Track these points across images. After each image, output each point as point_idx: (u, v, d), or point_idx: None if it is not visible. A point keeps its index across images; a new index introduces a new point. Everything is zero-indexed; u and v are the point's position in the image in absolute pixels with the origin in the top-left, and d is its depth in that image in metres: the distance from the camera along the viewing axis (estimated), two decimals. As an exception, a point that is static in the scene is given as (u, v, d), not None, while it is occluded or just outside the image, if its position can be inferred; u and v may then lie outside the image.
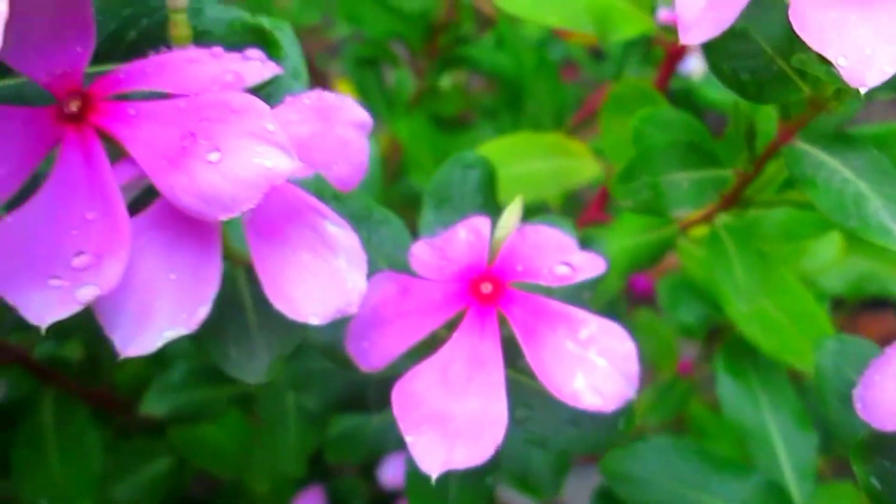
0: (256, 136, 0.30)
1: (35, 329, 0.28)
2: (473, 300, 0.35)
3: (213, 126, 0.30)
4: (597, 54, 1.33)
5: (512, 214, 0.38)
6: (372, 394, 0.47)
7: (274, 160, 0.30)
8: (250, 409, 0.64)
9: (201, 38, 0.38)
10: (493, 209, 0.50)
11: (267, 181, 0.30)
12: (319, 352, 0.41)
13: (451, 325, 0.36)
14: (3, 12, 0.24)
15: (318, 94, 0.35)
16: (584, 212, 0.74)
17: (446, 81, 1.25)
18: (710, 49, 0.38)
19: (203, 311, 0.31)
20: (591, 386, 0.34)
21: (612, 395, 0.35)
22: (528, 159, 0.65)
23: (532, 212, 0.46)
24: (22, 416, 0.64)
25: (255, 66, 0.34)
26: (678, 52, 0.63)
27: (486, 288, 0.35)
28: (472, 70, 1.23)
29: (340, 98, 0.36)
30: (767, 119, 0.46)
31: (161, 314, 0.31)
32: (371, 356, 0.36)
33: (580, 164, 0.66)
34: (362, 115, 0.37)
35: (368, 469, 0.76)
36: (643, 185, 0.43)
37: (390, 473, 0.73)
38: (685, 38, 0.33)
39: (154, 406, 0.62)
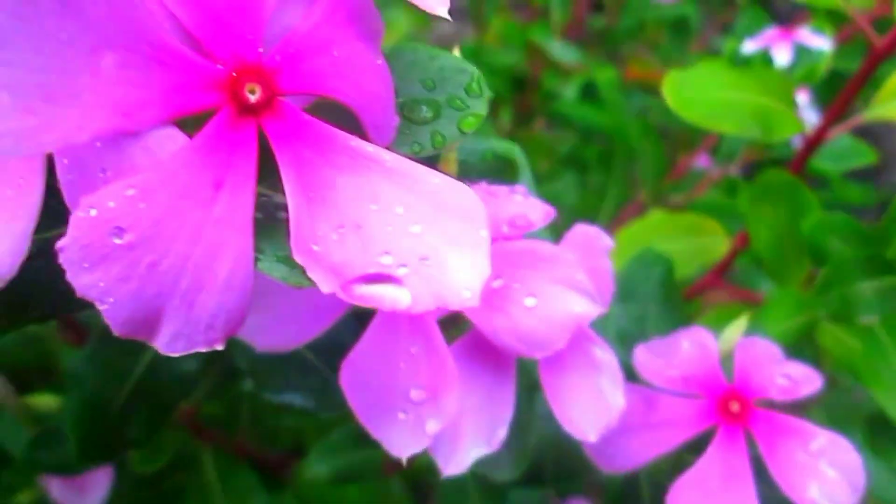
0: (567, 284, 0.34)
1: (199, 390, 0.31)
2: (723, 418, 0.39)
3: (526, 273, 0.34)
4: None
5: (736, 330, 0.42)
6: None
7: (582, 306, 0.34)
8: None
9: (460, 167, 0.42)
10: (673, 303, 0.54)
11: (576, 324, 0.34)
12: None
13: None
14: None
15: (582, 230, 0.39)
16: (702, 280, 0.77)
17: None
18: None
19: (502, 433, 0.35)
20: (825, 494, 0.38)
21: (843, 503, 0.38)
22: (669, 239, 0.68)
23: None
24: (187, 473, 0.68)
25: (537, 206, 0.38)
26: (816, 142, 0.67)
27: (735, 407, 0.39)
28: (558, 123, 1.28)
29: (595, 230, 0.40)
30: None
31: (469, 436, 0.35)
32: (616, 460, 0.40)
33: (715, 242, 0.70)
34: (610, 242, 0.41)
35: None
36: (835, 297, 0.46)
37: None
38: None
39: (316, 467, 0.66)
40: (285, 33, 0.25)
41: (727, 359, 0.43)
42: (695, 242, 0.70)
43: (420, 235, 0.24)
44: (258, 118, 0.23)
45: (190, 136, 0.23)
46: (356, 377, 0.33)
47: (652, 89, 1.66)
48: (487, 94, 0.32)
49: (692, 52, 1.42)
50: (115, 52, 0.21)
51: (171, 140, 0.23)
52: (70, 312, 0.30)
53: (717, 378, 0.40)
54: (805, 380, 0.41)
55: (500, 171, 0.46)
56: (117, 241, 0.22)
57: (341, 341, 0.37)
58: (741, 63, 0.81)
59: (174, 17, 0.23)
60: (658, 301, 0.53)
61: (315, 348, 0.42)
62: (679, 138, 1.45)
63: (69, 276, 0.22)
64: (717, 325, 0.67)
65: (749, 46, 0.83)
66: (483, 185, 0.40)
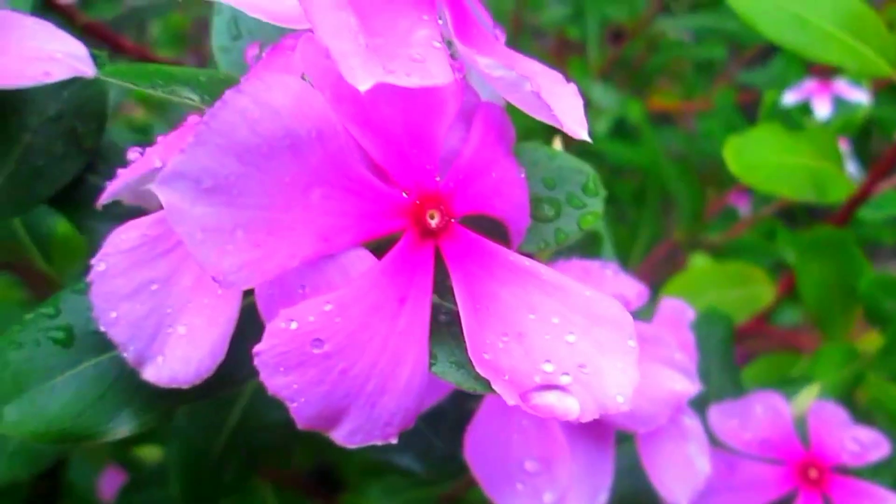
0: (668, 364, 0.37)
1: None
2: (802, 484, 0.42)
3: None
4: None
5: (808, 397, 0.45)
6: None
7: (683, 384, 0.37)
8: None
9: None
10: (731, 358, 0.57)
11: (677, 401, 0.36)
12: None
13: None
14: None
15: (670, 304, 0.42)
16: (746, 325, 0.80)
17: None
18: None
19: (603, 498, 0.38)
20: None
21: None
22: (718, 289, 0.71)
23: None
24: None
25: (632, 285, 0.41)
26: (862, 198, 0.70)
27: (813, 473, 0.42)
28: (586, 157, 1.30)
29: (680, 304, 0.43)
30: None
31: (573, 501, 0.37)
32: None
33: (762, 291, 0.73)
34: (692, 314, 0.43)
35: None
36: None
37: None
38: None
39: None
40: (452, 159, 0.27)
41: (798, 421, 0.45)
42: (742, 292, 0.72)
43: (575, 344, 0.26)
44: (437, 240, 0.26)
45: (377, 257, 0.26)
46: (477, 450, 0.35)
47: (674, 119, 1.69)
48: (602, 192, 0.35)
49: (716, 85, 1.46)
50: (322, 187, 0.24)
51: (362, 260, 0.25)
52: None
53: (794, 443, 0.43)
54: (874, 445, 0.44)
55: (583, 244, 0.49)
56: (316, 350, 0.25)
57: (442, 407, 0.39)
58: (790, 122, 0.84)
59: (364, 150, 0.26)
60: (720, 357, 0.55)
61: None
62: (705, 172, 1.47)
63: (263, 377, 0.25)
64: (769, 377, 0.70)
65: (789, 98, 0.86)
66: (577, 262, 0.42)
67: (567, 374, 0.26)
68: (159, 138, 0.28)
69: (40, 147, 0.36)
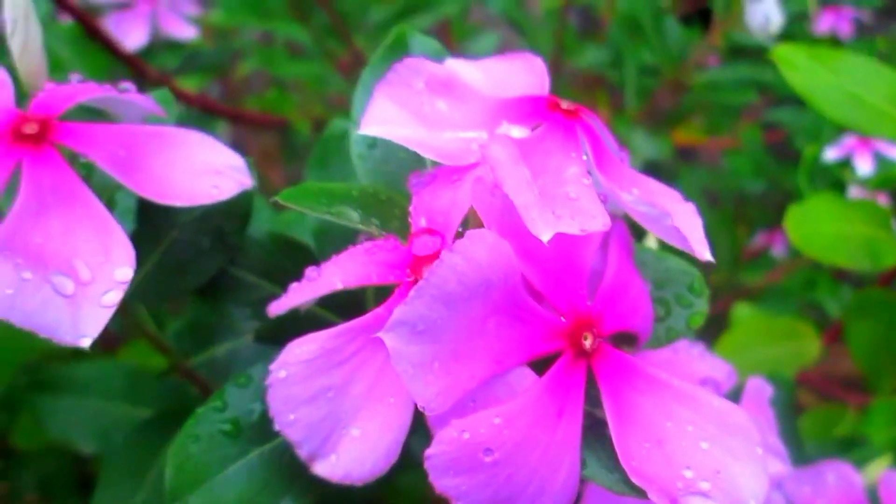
0: (766, 449, 0.40)
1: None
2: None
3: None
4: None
5: (879, 467, 0.48)
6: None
7: (777, 466, 0.40)
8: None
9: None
10: (793, 424, 0.60)
11: (772, 483, 0.39)
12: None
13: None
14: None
15: (755, 384, 0.45)
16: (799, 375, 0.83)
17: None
18: None
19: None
20: None
21: None
22: (767, 345, 0.74)
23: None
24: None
25: (721, 366, 0.44)
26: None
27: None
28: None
29: (762, 382, 0.46)
30: None
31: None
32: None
33: (809, 346, 0.76)
34: (770, 390, 0.46)
35: None
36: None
37: None
38: None
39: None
40: (596, 281, 0.31)
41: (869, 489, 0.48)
42: (790, 347, 0.75)
43: (709, 451, 0.30)
44: (590, 359, 0.29)
45: (538, 374, 0.29)
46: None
47: (696, 154, 1.72)
48: (707, 292, 0.38)
49: (742, 123, 1.49)
50: (498, 317, 0.27)
51: (526, 377, 0.29)
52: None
53: (865, 512, 0.46)
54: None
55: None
56: (486, 458, 0.28)
57: None
58: (830, 178, 0.88)
59: (526, 279, 0.29)
60: (784, 422, 0.58)
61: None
62: (734, 210, 1.51)
63: (433, 478, 0.28)
64: (820, 434, 0.73)
65: (830, 154, 0.89)
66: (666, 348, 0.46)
67: (706, 480, 0.29)
68: (333, 258, 0.32)
69: (186, 242, 0.40)
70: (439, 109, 0.32)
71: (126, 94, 0.35)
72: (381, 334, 0.24)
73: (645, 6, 1.08)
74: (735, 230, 1.08)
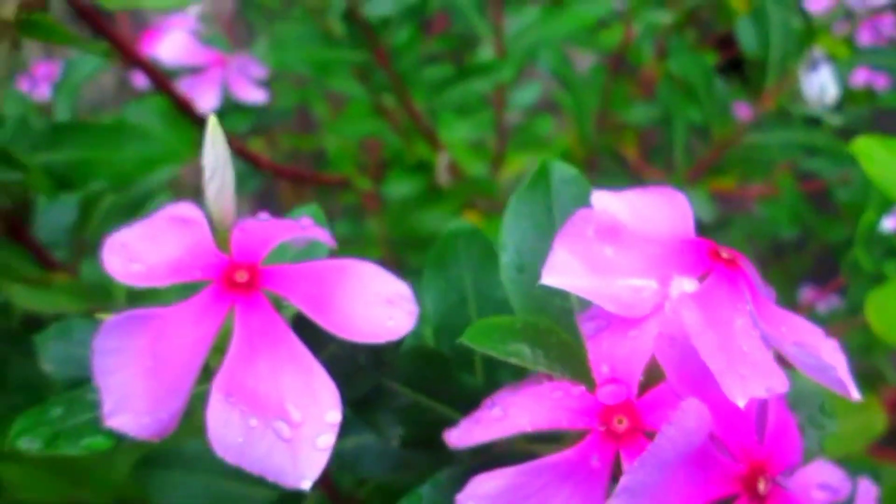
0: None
1: None
2: None
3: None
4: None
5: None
6: None
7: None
8: None
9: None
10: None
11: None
12: None
13: None
14: None
15: (866, 485, 0.47)
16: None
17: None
18: None
19: None
20: None
21: None
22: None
23: None
24: None
25: (833, 471, 0.46)
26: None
27: None
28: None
29: (871, 484, 0.48)
30: None
31: None
32: None
33: (876, 419, 0.78)
34: (877, 490, 0.49)
35: None
36: None
37: None
38: None
39: None
40: (761, 423, 0.33)
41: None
42: (857, 422, 0.78)
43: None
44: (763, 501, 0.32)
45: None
46: None
47: (728, 200, 1.74)
48: (836, 415, 0.41)
49: (775, 171, 1.52)
50: (690, 468, 0.30)
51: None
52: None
53: None
54: None
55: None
56: None
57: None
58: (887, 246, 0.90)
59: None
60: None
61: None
62: (774, 260, 1.53)
63: None
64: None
65: (888, 224, 0.92)
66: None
67: None
68: (510, 393, 0.35)
69: (344, 357, 0.42)
70: (607, 256, 0.35)
71: (307, 230, 0.38)
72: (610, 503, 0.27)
73: (697, 68, 1.11)
74: (792, 290, 1.10)
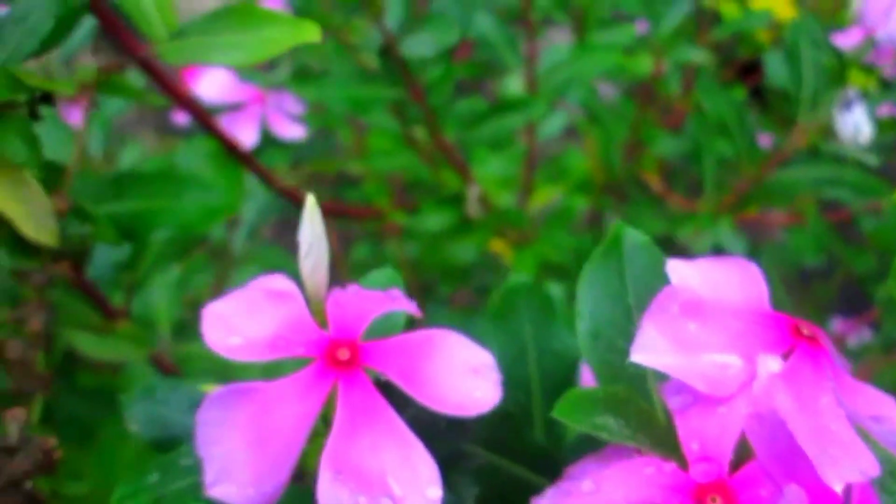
0: None
1: None
2: None
3: None
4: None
5: None
6: None
7: None
8: None
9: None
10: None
11: None
12: None
13: None
14: None
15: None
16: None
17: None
18: None
19: None
20: None
21: None
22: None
23: None
24: None
25: None
26: None
27: None
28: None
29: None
30: None
31: None
32: None
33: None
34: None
35: None
36: None
37: None
38: None
39: None
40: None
41: None
42: None
43: None
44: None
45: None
46: None
47: (757, 228, 1.75)
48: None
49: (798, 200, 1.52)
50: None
51: None
52: None
53: None
54: None
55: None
56: None
57: None
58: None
59: None
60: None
61: None
62: (800, 292, 1.54)
63: None
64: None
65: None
66: None
67: None
68: (603, 473, 0.36)
69: (424, 421, 0.44)
70: (691, 332, 0.36)
71: (397, 303, 0.39)
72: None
73: (728, 105, 1.13)
74: (821, 320, 1.11)
